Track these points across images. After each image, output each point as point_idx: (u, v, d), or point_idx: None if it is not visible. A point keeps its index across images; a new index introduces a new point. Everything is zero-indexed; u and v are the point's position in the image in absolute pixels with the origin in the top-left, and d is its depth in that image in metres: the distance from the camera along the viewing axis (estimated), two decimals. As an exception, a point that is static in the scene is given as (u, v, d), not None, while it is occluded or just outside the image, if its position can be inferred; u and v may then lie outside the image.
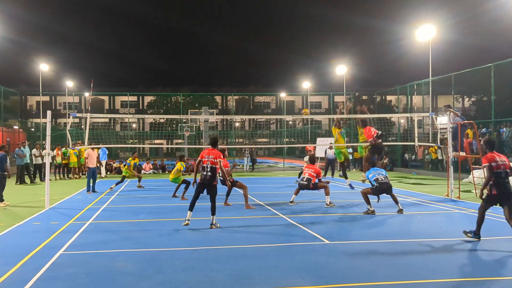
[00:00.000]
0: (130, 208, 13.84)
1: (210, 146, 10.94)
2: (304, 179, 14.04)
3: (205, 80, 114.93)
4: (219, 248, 8.42)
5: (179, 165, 16.39)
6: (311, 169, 14.15)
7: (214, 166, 10.37)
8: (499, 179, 8.52)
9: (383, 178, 12.35)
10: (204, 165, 10.44)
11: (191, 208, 10.40)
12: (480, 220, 8.87)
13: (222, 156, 10.65)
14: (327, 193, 13.81)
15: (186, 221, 10.29)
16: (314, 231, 9.87)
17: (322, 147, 27.40)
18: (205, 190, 10.52)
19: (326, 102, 72.85)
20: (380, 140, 14.99)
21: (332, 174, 25.25)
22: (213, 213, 10.39)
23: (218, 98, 73.52)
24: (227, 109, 72.51)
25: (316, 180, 13.89)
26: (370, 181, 12.58)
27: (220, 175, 11.55)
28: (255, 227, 10.53)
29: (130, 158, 20.48)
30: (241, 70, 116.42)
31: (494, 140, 9.01)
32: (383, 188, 12.31)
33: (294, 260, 7.56)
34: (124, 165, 20.38)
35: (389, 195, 12.59)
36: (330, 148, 25.78)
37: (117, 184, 19.22)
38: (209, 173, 10.37)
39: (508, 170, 8.60)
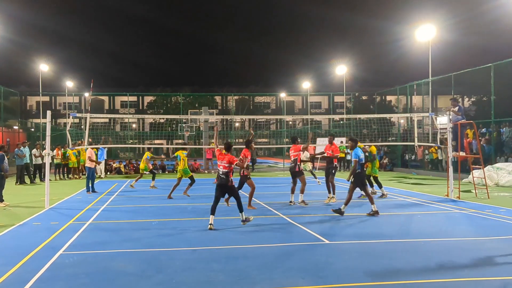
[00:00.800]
0: (130, 208, 13.84)
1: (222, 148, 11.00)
2: (291, 161, 14.24)
3: (205, 80, 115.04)
4: (219, 248, 8.42)
5: (182, 154, 16.55)
6: (292, 150, 14.24)
7: (227, 170, 10.55)
8: None
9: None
10: (219, 168, 10.69)
11: (213, 212, 10.41)
12: None
13: (234, 159, 10.81)
14: (301, 191, 13.95)
15: (210, 225, 10.19)
16: (314, 231, 9.87)
17: (323, 147, 27.39)
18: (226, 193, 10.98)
19: (326, 102, 72.87)
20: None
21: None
22: (240, 210, 10.65)
23: (218, 98, 73.49)
24: (227, 109, 72.51)
25: (301, 162, 14.12)
26: (358, 160, 12.08)
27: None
28: (255, 227, 10.52)
29: (148, 153, 20.60)
30: (241, 70, 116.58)
31: None
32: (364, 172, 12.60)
33: (294, 260, 7.57)
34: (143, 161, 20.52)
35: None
36: None
37: (153, 179, 20.30)
38: (223, 176, 10.58)
39: None
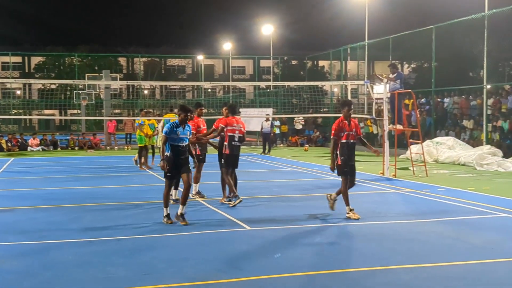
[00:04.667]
0: (14, 193, 13.34)
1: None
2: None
3: (106, 39, 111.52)
4: (121, 239, 8.31)
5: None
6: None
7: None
8: None
9: None
10: (233, 134, 10.90)
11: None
12: None
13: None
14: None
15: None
16: (233, 216, 9.96)
17: (258, 118, 27.61)
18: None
19: (251, 67, 73.26)
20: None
21: (269, 151, 25.62)
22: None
23: (122, 61, 71.81)
24: (134, 74, 71.01)
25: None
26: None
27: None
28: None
29: (141, 118, 19.21)
30: (151, 27, 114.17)
31: None
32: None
33: (208, 250, 7.61)
34: (137, 127, 18.89)
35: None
36: (266, 120, 26.18)
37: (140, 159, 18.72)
38: (238, 144, 11.11)
39: None
